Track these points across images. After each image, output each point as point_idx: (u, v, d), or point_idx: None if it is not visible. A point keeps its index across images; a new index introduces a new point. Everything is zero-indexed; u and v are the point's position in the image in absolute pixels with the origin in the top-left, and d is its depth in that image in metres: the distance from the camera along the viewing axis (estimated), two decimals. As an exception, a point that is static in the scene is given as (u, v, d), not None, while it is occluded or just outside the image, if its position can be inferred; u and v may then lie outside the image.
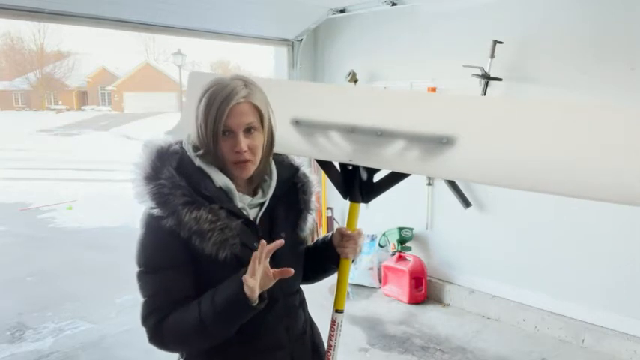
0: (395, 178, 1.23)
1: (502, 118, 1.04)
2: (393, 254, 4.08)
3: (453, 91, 3.60)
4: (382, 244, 4.28)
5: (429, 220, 4.04)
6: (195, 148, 1.13)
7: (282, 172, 1.23)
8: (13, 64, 37.24)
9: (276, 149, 1.19)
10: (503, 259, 3.63)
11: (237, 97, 1.07)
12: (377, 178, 1.27)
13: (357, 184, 1.24)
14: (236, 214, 1.12)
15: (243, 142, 1.08)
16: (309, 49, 4.59)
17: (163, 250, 1.10)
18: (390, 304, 3.95)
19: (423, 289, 3.98)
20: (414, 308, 3.85)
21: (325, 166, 1.27)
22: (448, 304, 3.92)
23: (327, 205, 4.72)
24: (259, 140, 1.12)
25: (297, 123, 1.21)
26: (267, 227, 1.19)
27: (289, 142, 1.20)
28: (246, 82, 1.11)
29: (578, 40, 3.09)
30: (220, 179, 1.12)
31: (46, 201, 8.57)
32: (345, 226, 1.30)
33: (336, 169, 1.27)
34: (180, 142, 1.17)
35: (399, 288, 4.00)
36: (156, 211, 1.08)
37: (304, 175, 1.27)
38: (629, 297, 3.06)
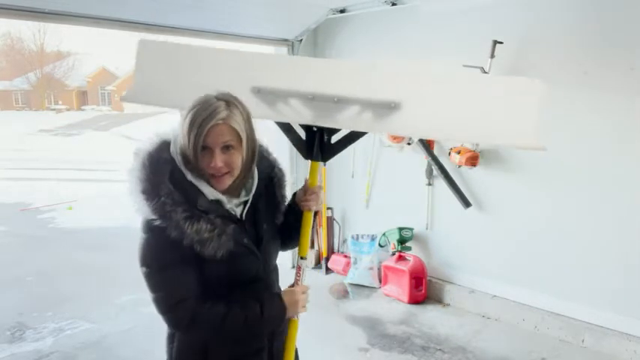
0: (351, 137, 1.39)
1: (435, 86, 1.33)
2: (393, 254, 4.08)
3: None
4: (382, 244, 4.28)
5: (429, 220, 4.04)
6: (185, 159, 1.24)
7: (263, 168, 1.40)
8: (13, 64, 37.23)
9: None
10: (503, 259, 3.63)
11: (217, 119, 1.19)
12: (335, 139, 1.42)
13: (316, 144, 1.40)
14: (229, 218, 1.29)
15: (219, 159, 1.22)
16: (309, 49, 4.59)
17: (169, 250, 1.21)
18: (390, 304, 3.95)
19: (423, 289, 3.98)
20: (414, 308, 3.85)
21: (285, 128, 1.41)
22: (448, 304, 3.92)
23: (327, 205, 4.72)
24: (237, 157, 1.25)
25: (258, 91, 1.33)
26: (252, 221, 1.37)
27: (252, 109, 1.28)
28: (229, 103, 1.22)
29: (578, 40, 3.09)
30: (211, 193, 1.27)
31: (46, 201, 8.57)
32: (308, 184, 1.46)
33: (296, 132, 1.41)
34: (169, 146, 1.27)
35: (399, 288, 4.00)
36: (159, 222, 1.20)
37: (280, 170, 1.46)
38: (629, 297, 3.06)
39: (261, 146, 1.39)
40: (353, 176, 4.52)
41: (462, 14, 3.57)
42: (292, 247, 1.57)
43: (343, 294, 4.14)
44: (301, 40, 4.51)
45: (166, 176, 1.22)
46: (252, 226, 1.36)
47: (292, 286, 1.45)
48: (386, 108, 1.28)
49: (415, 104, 1.28)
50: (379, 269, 4.24)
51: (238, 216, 1.34)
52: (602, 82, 3.03)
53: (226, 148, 1.23)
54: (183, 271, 1.23)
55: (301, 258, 1.41)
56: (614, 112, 3.02)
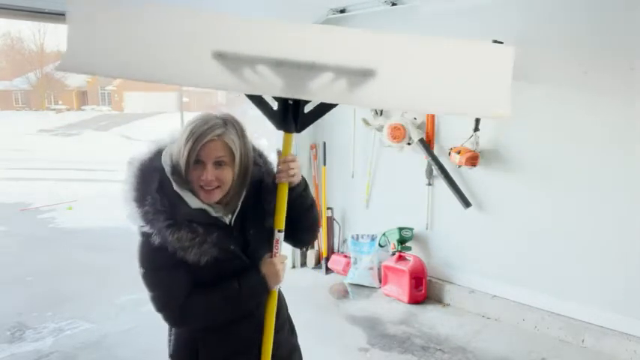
0: (324, 108, 1.33)
1: (410, 53, 1.27)
2: (393, 254, 4.08)
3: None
4: (382, 244, 4.28)
5: (429, 220, 4.04)
6: (173, 169, 1.30)
7: (253, 174, 1.39)
8: (13, 64, 37.24)
9: (199, 85, 1.25)
10: (503, 259, 3.63)
11: (212, 135, 1.26)
12: (307, 108, 1.35)
13: (289, 115, 1.32)
14: (215, 225, 1.33)
15: (210, 173, 1.28)
16: (309, 49, 4.58)
17: (160, 254, 1.28)
18: (390, 304, 3.95)
19: (423, 289, 3.98)
20: (414, 308, 3.85)
21: (256, 99, 1.32)
22: (448, 304, 3.92)
23: (327, 205, 4.72)
24: (228, 172, 1.30)
25: (220, 56, 1.17)
26: (240, 227, 1.39)
27: (213, 76, 1.18)
28: (226, 122, 1.30)
29: (578, 40, 3.09)
30: (194, 202, 1.31)
31: (46, 201, 8.57)
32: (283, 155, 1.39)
33: (267, 103, 1.33)
34: (161, 154, 1.33)
35: (399, 288, 4.00)
36: (146, 229, 1.26)
37: (269, 174, 1.43)
38: (629, 297, 3.06)
39: (253, 150, 1.41)
40: (353, 176, 4.52)
41: (462, 14, 3.57)
42: (302, 243, 1.59)
43: (343, 294, 4.14)
44: (301, 40, 4.50)
45: (154, 185, 1.28)
46: (240, 233, 1.39)
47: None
48: (360, 75, 1.20)
49: (390, 72, 1.23)
50: (379, 269, 4.24)
51: (227, 222, 1.38)
52: (602, 82, 3.03)
53: (218, 163, 1.29)
54: (174, 273, 1.30)
55: (278, 231, 1.38)
56: (613, 112, 3.02)
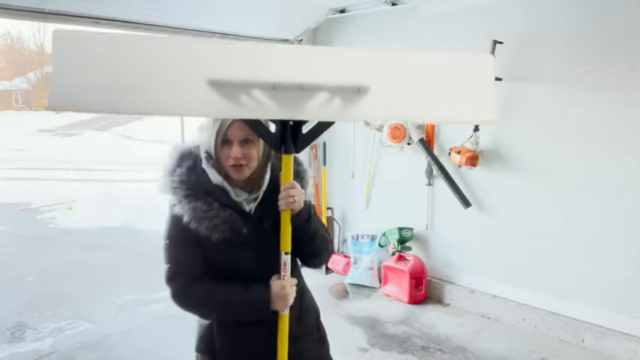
0: (322, 126, 1.36)
1: (400, 68, 1.33)
2: (393, 254, 4.08)
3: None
4: (382, 244, 4.28)
5: (429, 220, 4.04)
6: (207, 154, 1.40)
7: (277, 165, 1.39)
8: (13, 64, 37.24)
9: (195, 114, 1.23)
10: (504, 259, 3.63)
11: None
12: (305, 128, 1.37)
13: (288, 136, 1.33)
14: (228, 205, 1.38)
15: (238, 150, 1.35)
16: (309, 49, 4.59)
17: (179, 229, 1.37)
18: (390, 304, 3.95)
19: (423, 289, 3.98)
20: (414, 308, 3.85)
21: (254, 124, 1.33)
22: (448, 304, 3.92)
23: (327, 205, 4.72)
24: (254, 150, 1.38)
25: (215, 84, 1.17)
26: (258, 217, 1.42)
27: (210, 105, 1.18)
28: None
29: (578, 40, 3.09)
30: (215, 178, 1.39)
31: (46, 201, 8.57)
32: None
33: (264, 126, 1.35)
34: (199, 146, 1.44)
35: (399, 288, 4.00)
36: (170, 199, 1.38)
37: (294, 160, 1.41)
38: (629, 297, 3.06)
39: None
40: (353, 176, 4.52)
41: (462, 14, 3.57)
42: (310, 266, 1.54)
43: (343, 294, 4.14)
44: (301, 40, 4.51)
45: (187, 163, 1.40)
46: (258, 222, 1.42)
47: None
48: (354, 92, 1.24)
49: (382, 87, 1.27)
50: (379, 269, 4.24)
51: (247, 210, 1.42)
52: (602, 82, 3.03)
53: (245, 141, 1.36)
54: (187, 248, 1.39)
55: (285, 254, 1.37)
56: (614, 111, 3.02)
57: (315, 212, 1.48)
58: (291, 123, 1.32)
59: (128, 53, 1.14)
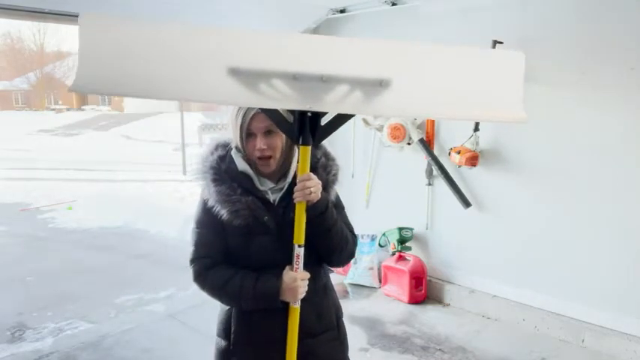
0: (341, 119, 1.34)
1: (424, 61, 1.28)
2: (393, 254, 4.08)
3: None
4: (382, 244, 4.28)
5: (429, 220, 4.04)
6: (237, 147, 1.46)
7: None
8: (13, 64, 37.24)
9: (214, 101, 1.25)
10: (504, 259, 3.63)
11: (257, 108, 1.36)
12: (324, 120, 1.35)
13: (307, 127, 1.32)
14: (251, 192, 1.42)
15: (262, 142, 1.39)
16: (309, 49, 4.58)
17: (206, 214, 1.44)
18: (390, 304, 3.95)
19: (423, 289, 3.98)
20: (414, 308, 3.85)
21: (272, 113, 1.33)
22: (448, 304, 3.92)
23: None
24: (277, 140, 1.41)
25: (235, 72, 1.17)
26: (282, 208, 1.44)
27: (230, 93, 1.19)
28: None
29: (578, 40, 3.09)
30: (241, 165, 1.44)
31: (46, 201, 8.57)
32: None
33: (282, 116, 1.33)
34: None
35: (399, 288, 4.00)
36: (200, 184, 1.45)
37: (325, 157, 1.49)
38: (629, 297, 3.06)
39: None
40: (353, 176, 4.52)
41: (462, 14, 3.57)
42: (329, 264, 1.55)
43: (343, 294, 4.14)
44: (301, 40, 4.50)
45: (219, 152, 1.47)
46: (280, 213, 1.43)
47: None
48: (376, 86, 1.21)
49: (405, 81, 1.24)
50: (379, 269, 4.24)
51: (271, 199, 1.45)
52: (602, 82, 3.03)
53: (268, 132, 1.39)
54: (210, 233, 1.44)
55: (298, 246, 1.37)
56: (613, 112, 3.01)
57: (335, 209, 1.46)
58: (310, 114, 1.30)
59: (152, 39, 1.17)
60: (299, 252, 1.38)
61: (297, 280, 1.36)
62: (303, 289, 1.38)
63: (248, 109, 1.38)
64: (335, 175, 1.49)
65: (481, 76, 1.28)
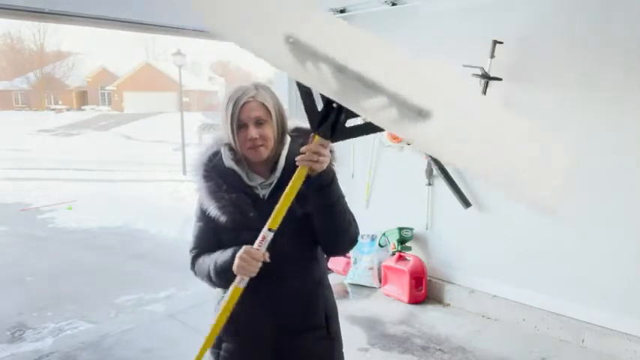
0: (367, 128, 1.27)
1: (476, 110, 1.21)
2: (393, 254, 4.08)
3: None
4: (382, 244, 4.28)
5: (429, 220, 4.04)
6: (227, 144, 1.46)
7: (293, 151, 1.38)
8: (13, 64, 37.24)
9: (265, 58, 1.21)
10: (504, 259, 3.63)
11: (246, 97, 1.38)
12: (350, 123, 1.30)
13: (330, 120, 1.28)
14: (239, 188, 1.44)
15: (254, 131, 1.38)
16: (309, 49, 4.58)
17: (199, 207, 1.49)
18: (390, 304, 3.95)
19: (423, 289, 3.98)
20: (414, 308, 3.85)
21: (304, 91, 1.28)
22: (448, 304, 3.92)
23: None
24: (269, 129, 1.40)
25: (290, 41, 1.16)
26: (272, 202, 1.35)
27: (277, 55, 1.18)
28: (257, 86, 1.42)
29: (578, 40, 3.09)
30: (227, 161, 1.45)
31: (46, 201, 8.58)
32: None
33: (313, 98, 1.29)
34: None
35: (399, 288, 4.00)
36: (195, 179, 1.48)
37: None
38: (629, 297, 3.06)
39: (292, 130, 1.50)
40: (353, 176, 4.52)
41: (462, 14, 3.57)
42: (328, 250, 1.52)
43: (343, 294, 4.14)
44: (301, 40, 4.50)
45: (214, 148, 1.49)
46: (270, 208, 1.35)
47: None
48: (415, 112, 1.15)
49: (446, 122, 1.16)
50: (379, 269, 4.24)
51: (261, 195, 1.45)
52: (602, 83, 3.02)
53: (259, 122, 1.39)
54: (202, 226, 1.50)
55: (268, 229, 1.29)
56: (613, 112, 3.01)
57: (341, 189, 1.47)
58: (334, 105, 1.26)
59: None
60: (266, 235, 1.30)
61: (249, 256, 1.29)
62: (252, 268, 1.30)
63: (238, 99, 1.37)
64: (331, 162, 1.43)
65: (527, 151, 1.26)
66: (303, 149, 1.28)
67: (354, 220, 1.54)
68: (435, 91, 1.19)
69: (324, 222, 1.42)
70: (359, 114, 1.21)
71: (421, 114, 1.15)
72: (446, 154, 1.24)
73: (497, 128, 1.22)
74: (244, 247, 1.31)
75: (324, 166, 1.31)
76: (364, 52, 1.20)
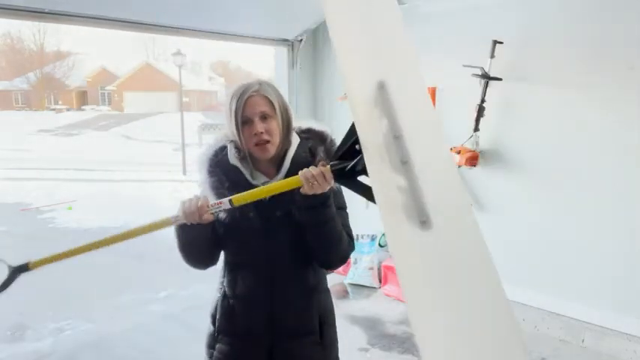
0: (368, 194, 1.22)
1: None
2: (393, 254, 4.08)
3: (453, 90, 3.61)
4: (382, 244, 4.28)
5: (429, 220, 4.03)
6: (233, 141, 1.43)
7: (300, 151, 1.42)
8: (13, 64, 37.24)
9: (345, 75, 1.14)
10: (503, 259, 3.61)
11: (250, 92, 1.36)
12: (361, 178, 1.28)
13: (347, 164, 1.27)
14: (242, 186, 1.37)
15: (259, 126, 1.35)
16: (309, 49, 4.59)
17: None
18: (390, 304, 3.95)
19: (423, 289, 3.97)
20: (414, 308, 3.85)
21: (351, 131, 1.22)
22: (448, 304, 3.91)
23: (327, 205, 4.72)
24: (274, 124, 1.37)
25: (381, 87, 1.11)
26: (273, 203, 1.37)
27: (364, 97, 1.12)
28: (260, 81, 1.41)
29: (578, 40, 3.09)
30: (232, 158, 1.42)
31: (46, 201, 8.58)
32: None
33: (356, 139, 1.21)
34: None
35: (399, 288, 4.00)
36: (200, 173, 1.45)
37: (327, 151, 1.43)
38: (629, 297, 3.05)
39: (303, 131, 1.48)
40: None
41: (462, 14, 3.57)
42: (320, 261, 1.48)
43: (343, 294, 4.14)
44: (301, 40, 4.50)
45: (220, 144, 1.46)
46: (271, 208, 1.39)
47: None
48: (415, 214, 1.12)
49: (442, 236, 1.11)
50: (379, 269, 4.24)
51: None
52: (602, 82, 3.02)
53: (264, 117, 1.36)
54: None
55: (229, 202, 1.29)
56: (613, 111, 3.01)
57: (336, 210, 1.43)
58: (357, 147, 1.20)
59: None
60: (225, 203, 1.30)
61: (196, 203, 1.30)
62: (190, 213, 1.30)
63: (241, 95, 1.36)
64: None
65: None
66: (310, 168, 1.26)
67: (351, 237, 1.51)
68: (445, 210, 1.11)
69: (312, 238, 1.39)
70: (369, 176, 1.17)
71: (422, 219, 1.11)
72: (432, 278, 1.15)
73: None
74: (197, 196, 1.36)
75: (318, 192, 1.30)
76: (423, 132, 1.14)
